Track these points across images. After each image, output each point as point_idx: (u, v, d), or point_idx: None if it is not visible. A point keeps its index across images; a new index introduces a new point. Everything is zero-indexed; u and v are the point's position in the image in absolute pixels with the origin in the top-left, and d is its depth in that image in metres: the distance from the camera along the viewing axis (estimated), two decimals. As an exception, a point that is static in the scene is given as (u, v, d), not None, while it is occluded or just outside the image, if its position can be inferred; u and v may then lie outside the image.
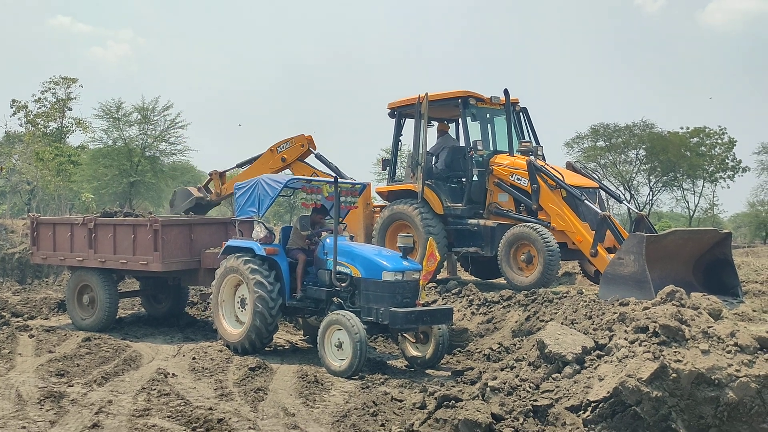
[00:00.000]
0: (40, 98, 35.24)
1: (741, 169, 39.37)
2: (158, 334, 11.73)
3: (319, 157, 14.01)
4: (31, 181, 33.96)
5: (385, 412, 6.99)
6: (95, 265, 11.94)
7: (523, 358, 7.27)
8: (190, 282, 12.39)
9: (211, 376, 8.63)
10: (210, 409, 7.06)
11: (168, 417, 6.84)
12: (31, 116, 35.15)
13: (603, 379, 6.25)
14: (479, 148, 11.75)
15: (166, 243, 11.30)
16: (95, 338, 10.56)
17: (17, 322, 12.11)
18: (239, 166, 15.03)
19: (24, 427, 6.43)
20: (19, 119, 35.52)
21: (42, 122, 35.53)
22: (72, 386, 7.97)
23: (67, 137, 36.79)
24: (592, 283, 11.70)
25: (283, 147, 14.13)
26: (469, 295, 11.12)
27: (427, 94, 12.03)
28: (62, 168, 31.66)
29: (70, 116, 36.25)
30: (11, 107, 35.06)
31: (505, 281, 11.25)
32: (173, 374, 8.57)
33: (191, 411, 6.97)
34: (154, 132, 36.68)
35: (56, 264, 14.04)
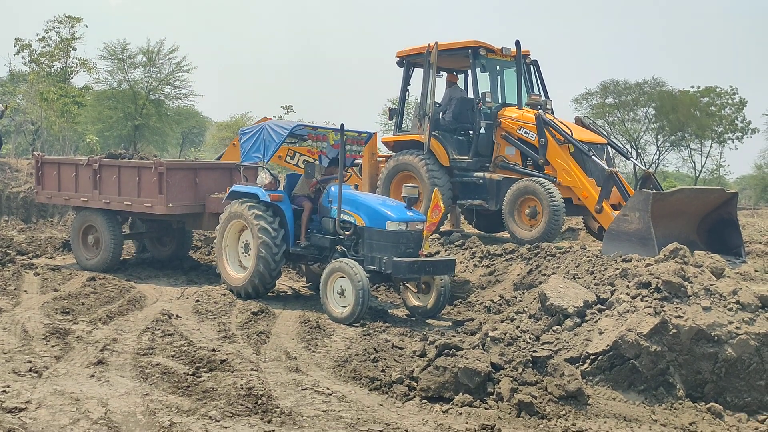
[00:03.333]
0: (44, 37, 34.74)
1: (750, 131, 39.00)
2: (162, 277, 11.83)
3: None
4: (36, 121, 33.78)
5: (385, 359, 7.07)
6: (100, 206, 11.97)
7: (524, 310, 7.33)
8: (195, 226, 12.42)
9: (215, 318, 8.72)
10: (213, 350, 7.15)
11: (172, 356, 6.94)
12: (35, 55, 34.72)
13: (603, 333, 6.31)
14: (488, 100, 11.61)
15: (171, 186, 11.29)
16: (100, 278, 10.66)
17: (22, 260, 12.20)
18: (219, 159, 14.88)
19: (30, 362, 6.52)
20: (23, 58, 35.10)
21: (46, 62, 35.11)
22: (77, 324, 8.07)
23: (72, 78, 36.41)
24: (595, 239, 11.72)
25: None
26: (472, 248, 11.15)
27: (437, 43, 11.84)
28: (67, 109, 31.40)
29: (75, 56, 35.81)
30: (15, 46, 34.60)
31: (509, 235, 11.27)
32: (177, 316, 8.67)
33: (195, 351, 7.06)
34: (159, 75, 36.27)
35: (61, 204, 14.08)
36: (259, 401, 5.72)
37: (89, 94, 36.39)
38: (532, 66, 12.36)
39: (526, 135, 11.33)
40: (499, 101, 12.21)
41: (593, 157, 10.76)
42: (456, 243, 11.45)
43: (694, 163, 41.56)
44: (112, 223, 11.97)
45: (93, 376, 6.23)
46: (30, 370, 6.28)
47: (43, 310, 8.62)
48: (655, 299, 6.41)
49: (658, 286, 6.52)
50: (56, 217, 17.95)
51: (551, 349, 6.42)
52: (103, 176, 11.92)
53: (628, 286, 6.83)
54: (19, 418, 5.17)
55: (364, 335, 8.17)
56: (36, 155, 13.38)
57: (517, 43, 11.84)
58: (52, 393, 5.71)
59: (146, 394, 5.82)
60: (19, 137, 37.67)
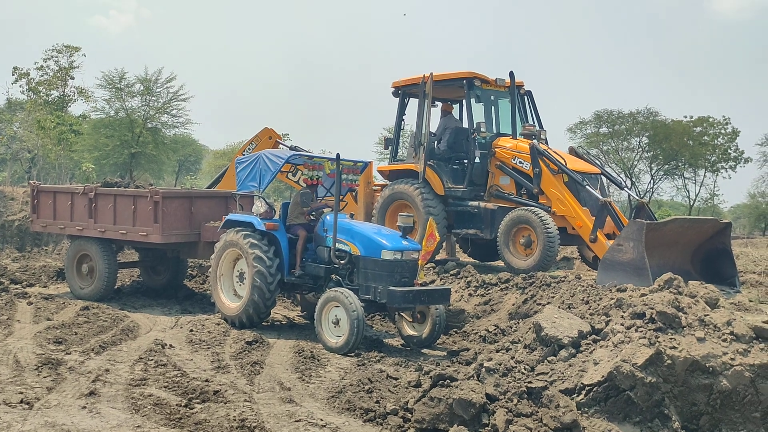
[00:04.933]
0: (42, 66, 34.97)
1: (743, 160, 39.25)
2: (156, 306, 11.78)
3: (295, 149, 14.16)
4: (32, 149, 33.86)
5: (380, 390, 7.04)
6: (95, 235, 11.96)
7: (519, 340, 7.30)
8: (189, 255, 12.41)
9: (208, 348, 8.67)
10: (206, 381, 7.10)
11: (165, 387, 6.89)
12: (33, 84, 34.92)
13: (598, 364, 6.28)
14: (482, 130, 11.71)
15: (167, 215, 11.30)
16: (93, 307, 10.60)
17: (16, 289, 12.15)
18: (209, 187, 15.05)
19: (21, 393, 6.46)
20: (20, 86, 35.30)
21: (44, 90, 35.29)
22: (69, 354, 8.01)
23: (69, 106, 36.56)
24: (590, 268, 11.73)
25: (250, 148, 14.22)
26: (467, 277, 11.15)
27: (431, 73, 11.97)
28: (63, 137, 31.48)
29: (73, 85, 36.01)
30: (13, 74, 34.80)
31: (504, 264, 11.27)
32: (170, 345, 8.62)
33: (188, 382, 7.01)
34: (156, 104, 36.48)
35: (56, 232, 14.06)
36: (252, 433, 5.67)
37: (86, 123, 36.53)
38: (526, 96, 12.49)
39: (521, 165, 11.40)
40: (494, 131, 12.31)
41: (587, 186, 10.83)
42: (451, 272, 11.45)
43: (688, 192, 41.78)
44: (106, 252, 11.95)
45: (85, 407, 6.17)
46: (21, 402, 6.22)
47: (35, 340, 8.56)
48: (649, 330, 6.40)
49: (653, 316, 6.52)
50: (51, 246, 17.91)
51: (546, 380, 6.38)
52: (99, 205, 11.93)
53: (622, 316, 6.82)
54: (8, 450, 5.12)
55: (358, 365, 8.13)
56: (32, 184, 13.40)
57: (511, 74, 11.98)
58: (43, 425, 5.65)
59: (138, 426, 5.77)
60: (15, 165, 37.71)
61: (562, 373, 6.42)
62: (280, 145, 14.78)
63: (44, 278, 13.62)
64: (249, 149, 14.33)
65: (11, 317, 10.00)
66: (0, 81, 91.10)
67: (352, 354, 8.65)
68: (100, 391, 6.66)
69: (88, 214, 12.00)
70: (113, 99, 35.85)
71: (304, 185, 10.54)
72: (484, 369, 6.56)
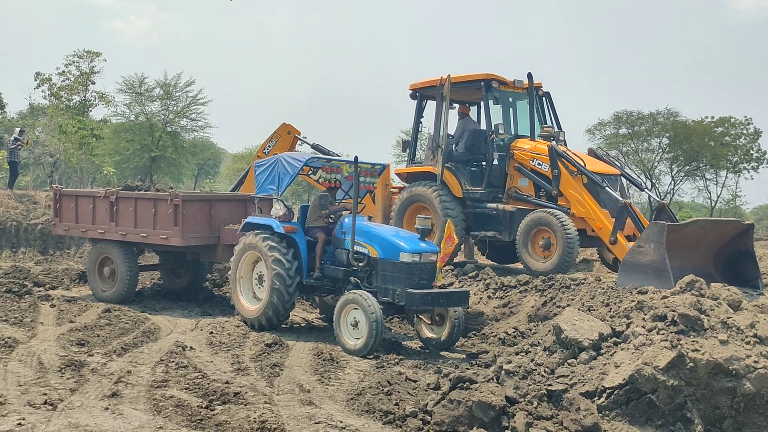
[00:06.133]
0: (63, 71, 35.46)
1: (765, 161, 38.72)
2: (176, 308, 11.87)
3: (316, 147, 14.18)
4: (54, 154, 34.31)
5: (399, 392, 7.04)
6: (116, 238, 12.08)
7: (539, 343, 7.27)
8: (209, 257, 12.49)
9: (228, 350, 8.72)
10: (227, 382, 7.15)
11: (185, 389, 6.94)
12: (55, 89, 35.41)
13: (619, 366, 6.23)
14: (500, 131, 11.69)
15: (187, 218, 11.40)
16: (115, 310, 10.72)
17: (39, 291, 12.30)
18: (233, 190, 15.14)
19: (45, 394, 6.54)
20: (42, 92, 35.82)
21: (65, 95, 35.77)
22: (92, 356, 8.10)
23: (90, 111, 37.03)
24: (610, 270, 11.64)
25: (270, 145, 14.24)
26: (485, 279, 11.11)
27: (449, 76, 11.95)
28: (85, 141, 31.88)
29: (94, 90, 36.48)
30: (35, 80, 35.32)
31: (523, 266, 11.23)
32: (191, 347, 8.68)
33: (208, 384, 7.06)
34: (175, 108, 36.83)
35: (78, 236, 14.24)
36: (273, 435, 5.69)
37: (107, 127, 36.96)
38: (544, 98, 12.44)
39: (539, 166, 11.35)
40: (512, 133, 12.27)
41: (607, 188, 10.76)
42: (469, 274, 11.42)
43: (710, 193, 41.28)
44: (128, 254, 12.06)
45: (107, 408, 6.23)
46: (45, 403, 6.30)
47: (58, 342, 8.67)
48: (671, 332, 6.34)
49: (675, 319, 6.46)
50: (73, 249, 18.12)
51: (567, 383, 6.35)
52: (120, 208, 12.05)
53: (643, 318, 6.76)
54: (33, 451, 5.18)
55: (377, 368, 8.14)
56: (54, 188, 13.57)
57: (530, 76, 11.94)
58: (67, 426, 5.71)
59: (160, 428, 5.81)
60: (38, 169, 38.21)
61: (583, 376, 6.38)
62: (300, 141, 14.78)
63: (67, 281, 13.78)
64: (269, 146, 14.40)
65: (35, 319, 10.13)
66: (23, 86, 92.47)
67: (371, 356, 8.65)
68: (122, 392, 6.73)
69: (109, 217, 12.13)
70: (133, 103, 36.29)
71: (318, 197, 10.58)
72: (503, 371, 6.54)
